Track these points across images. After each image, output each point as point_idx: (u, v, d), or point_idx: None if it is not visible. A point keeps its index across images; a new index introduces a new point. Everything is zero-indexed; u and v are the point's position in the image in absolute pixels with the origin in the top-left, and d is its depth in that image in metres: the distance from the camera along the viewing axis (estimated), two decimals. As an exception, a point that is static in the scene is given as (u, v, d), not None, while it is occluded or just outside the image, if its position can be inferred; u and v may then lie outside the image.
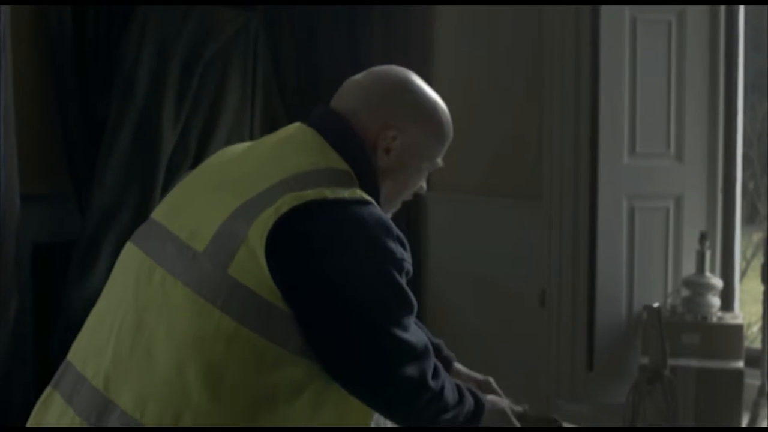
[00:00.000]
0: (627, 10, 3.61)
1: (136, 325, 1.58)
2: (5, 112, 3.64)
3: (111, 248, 3.87)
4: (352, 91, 1.79)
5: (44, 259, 4.07)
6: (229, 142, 4.26)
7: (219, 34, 4.19)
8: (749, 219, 4.25)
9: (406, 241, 1.62)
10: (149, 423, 1.51)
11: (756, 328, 3.93)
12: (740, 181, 3.73)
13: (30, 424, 1.68)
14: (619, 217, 3.68)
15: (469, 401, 1.77)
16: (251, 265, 1.52)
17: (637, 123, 3.66)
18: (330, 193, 1.56)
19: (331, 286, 1.54)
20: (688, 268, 3.63)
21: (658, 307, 3.23)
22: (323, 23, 4.54)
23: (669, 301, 3.64)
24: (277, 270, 1.51)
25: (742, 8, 3.65)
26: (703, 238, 3.53)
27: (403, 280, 1.59)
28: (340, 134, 1.70)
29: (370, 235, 1.56)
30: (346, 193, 1.57)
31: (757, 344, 3.52)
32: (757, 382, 3.28)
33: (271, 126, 4.47)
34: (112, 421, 1.54)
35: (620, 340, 3.71)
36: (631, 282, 3.70)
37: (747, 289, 3.95)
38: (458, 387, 1.76)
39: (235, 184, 1.61)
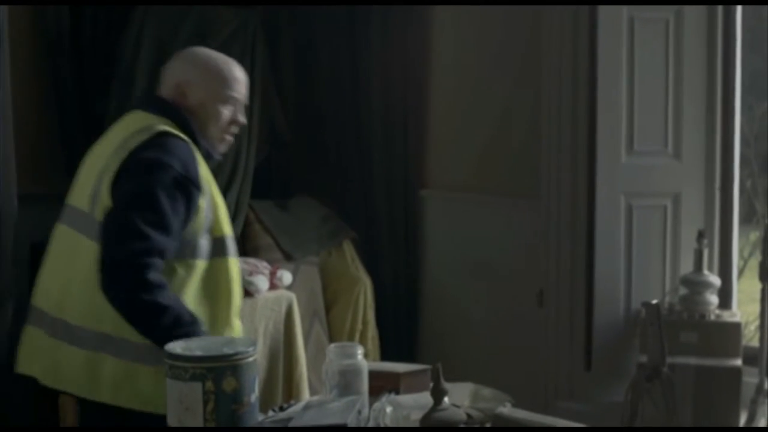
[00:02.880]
0: (625, 9, 3.61)
1: (69, 268, 2.43)
2: (3, 112, 3.63)
3: (109, 248, 3.87)
4: (162, 75, 2.60)
5: (42, 259, 4.06)
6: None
7: (217, 34, 4.19)
8: (746, 218, 4.25)
9: (191, 160, 2.38)
10: (79, 320, 2.37)
11: (753, 327, 3.93)
12: (738, 180, 3.74)
13: (19, 354, 2.62)
14: (616, 215, 3.69)
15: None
16: (101, 207, 2.35)
17: (634, 121, 3.67)
18: (134, 143, 2.38)
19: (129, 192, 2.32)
20: (686, 267, 3.64)
21: (657, 304, 3.23)
22: (322, 23, 4.55)
23: (667, 299, 3.65)
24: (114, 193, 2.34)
25: (739, 8, 3.65)
26: (700, 236, 3.53)
27: (165, 190, 2.30)
28: (153, 102, 2.55)
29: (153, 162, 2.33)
30: (143, 139, 2.38)
31: (755, 343, 3.52)
32: (755, 380, 3.28)
33: (269, 125, 4.48)
34: (61, 330, 2.41)
35: (618, 339, 3.71)
36: (629, 280, 3.70)
37: (744, 289, 3.96)
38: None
39: (97, 162, 2.47)
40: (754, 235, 4.29)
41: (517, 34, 4.03)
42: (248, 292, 3.57)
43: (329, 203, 4.53)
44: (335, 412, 2.10)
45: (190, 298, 2.40)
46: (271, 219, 4.30)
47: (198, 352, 2.03)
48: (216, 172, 4.28)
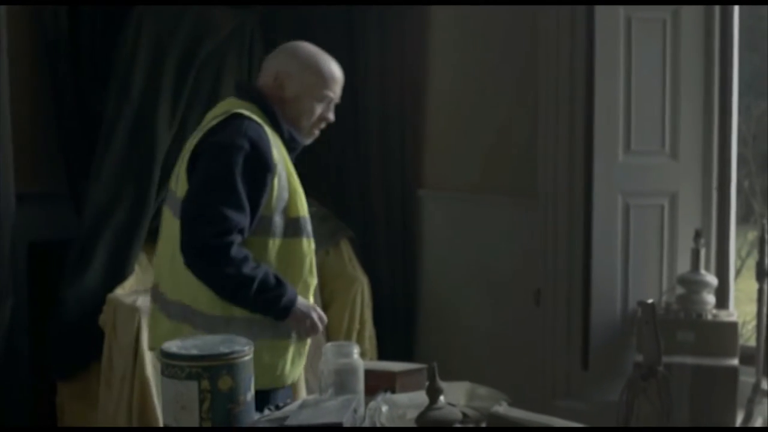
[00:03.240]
0: (622, 9, 3.62)
1: (164, 245, 2.61)
2: (1, 112, 3.64)
3: (107, 247, 3.87)
4: (263, 64, 2.68)
5: (40, 258, 4.07)
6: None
7: (214, 34, 4.19)
8: (744, 218, 4.26)
9: (261, 140, 2.44)
10: (168, 293, 2.54)
11: (750, 327, 3.94)
12: (735, 179, 3.74)
13: (148, 332, 2.73)
14: (614, 214, 3.69)
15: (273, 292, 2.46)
16: (181, 186, 2.48)
17: (632, 121, 3.67)
18: (206, 125, 2.54)
19: (204, 168, 2.44)
20: (683, 266, 3.64)
21: (653, 303, 3.23)
22: (319, 23, 4.55)
23: (664, 298, 3.65)
24: (191, 171, 2.46)
25: (736, 7, 3.66)
26: (697, 235, 3.54)
27: (238, 170, 2.39)
28: (245, 89, 2.66)
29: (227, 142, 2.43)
30: (218, 120, 2.49)
31: (752, 343, 3.53)
32: (752, 380, 3.29)
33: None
34: (161, 302, 2.58)
35: (615, 338, 3.71)
36: (626, 280, 3.70)
37: (742, 288, 3.96)
38: (276, 277, 2.47)
39: (186, 146, 2.59)
40: (752, 235, 4.29)
41: (515, 35, 4.03)
42: None
43: (327, 202, 4.53)
44: (331, 411, 2.10)
45: None
46: (269, 218, 4.30)
47: (194, 351, 2.04)
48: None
